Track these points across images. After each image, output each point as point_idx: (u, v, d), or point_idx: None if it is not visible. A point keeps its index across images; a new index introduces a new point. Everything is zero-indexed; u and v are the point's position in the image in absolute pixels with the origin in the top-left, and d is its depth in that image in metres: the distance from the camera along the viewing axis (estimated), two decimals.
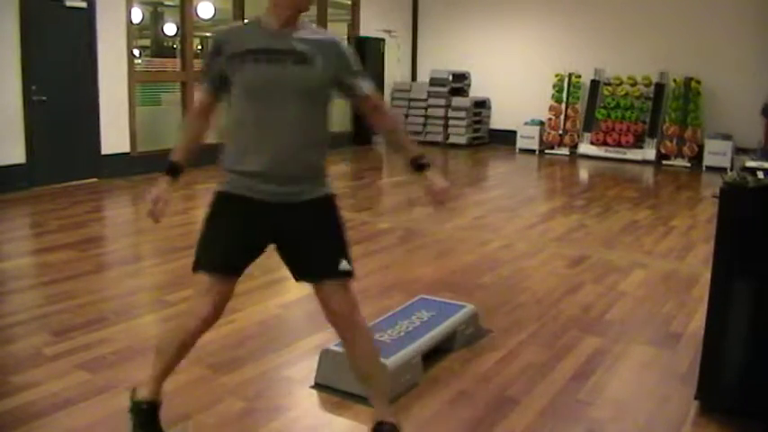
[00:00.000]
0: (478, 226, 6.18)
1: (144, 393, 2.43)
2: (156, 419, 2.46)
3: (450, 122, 11.93)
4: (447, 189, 2.38)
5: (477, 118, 12.14)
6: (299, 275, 2.37)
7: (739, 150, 9.38)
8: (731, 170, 8.44)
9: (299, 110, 2.23)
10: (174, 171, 2.37)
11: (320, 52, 2.23)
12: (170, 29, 9.66)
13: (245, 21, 2.57)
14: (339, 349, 2.95)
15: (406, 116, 12.35)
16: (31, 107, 7.06)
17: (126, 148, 8.16)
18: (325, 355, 2.96)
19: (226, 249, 2.30)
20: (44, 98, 7.13)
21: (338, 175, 9.47)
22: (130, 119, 8.15)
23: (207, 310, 2.29)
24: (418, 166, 2.36)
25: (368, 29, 11.76)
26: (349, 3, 11.65)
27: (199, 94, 2.46)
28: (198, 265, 2.31)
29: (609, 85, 11.03)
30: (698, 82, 10.20)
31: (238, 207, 2.29)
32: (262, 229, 2.30)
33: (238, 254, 2.32)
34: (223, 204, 2.34)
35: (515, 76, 11.81)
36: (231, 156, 2.31)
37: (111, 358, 3.17)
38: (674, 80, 10.40)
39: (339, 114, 11.73)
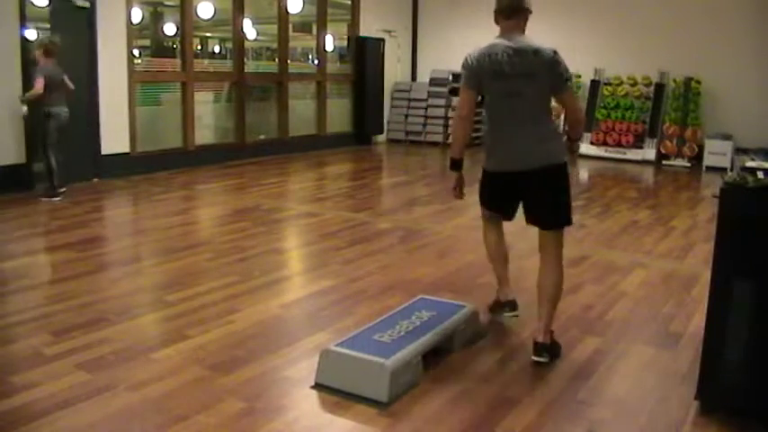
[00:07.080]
0: (479, 226, 6.15)
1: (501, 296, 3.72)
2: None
3: (451, 122, 11.93)
4: None
5: (478, 118, 12.10)
6: None
7: (739, 150, 9.38)
8: (731, 170, 8.47)
9: None
10: (460, 166, 3.59)
11: None
12: (170, 29, 9.65)
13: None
14: (339, 349, 2.96)
15: (406, 116, 12.36)
16: (31, 107, 7.05)
17: (126, 148, 8.16)
18: (325, 355, 2.96)
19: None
20: None
21: (338, 175, 9.48)
22: (130, 119, 8.15)
23: None
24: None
25: (368, 29, 11.77)
26: (349, 3, 11.64)
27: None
28: None
29: (609, 85, 11.03)
30: (698, 82, 10.20)
31: None
32: None
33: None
34: None
35: None
36: None
37: (111, 358, 3.16)
38: (674, 80, 10.40)
39: (340, 114, 11.74)
